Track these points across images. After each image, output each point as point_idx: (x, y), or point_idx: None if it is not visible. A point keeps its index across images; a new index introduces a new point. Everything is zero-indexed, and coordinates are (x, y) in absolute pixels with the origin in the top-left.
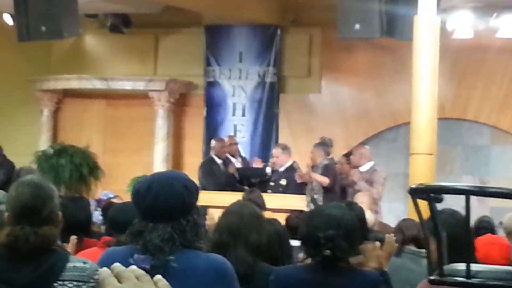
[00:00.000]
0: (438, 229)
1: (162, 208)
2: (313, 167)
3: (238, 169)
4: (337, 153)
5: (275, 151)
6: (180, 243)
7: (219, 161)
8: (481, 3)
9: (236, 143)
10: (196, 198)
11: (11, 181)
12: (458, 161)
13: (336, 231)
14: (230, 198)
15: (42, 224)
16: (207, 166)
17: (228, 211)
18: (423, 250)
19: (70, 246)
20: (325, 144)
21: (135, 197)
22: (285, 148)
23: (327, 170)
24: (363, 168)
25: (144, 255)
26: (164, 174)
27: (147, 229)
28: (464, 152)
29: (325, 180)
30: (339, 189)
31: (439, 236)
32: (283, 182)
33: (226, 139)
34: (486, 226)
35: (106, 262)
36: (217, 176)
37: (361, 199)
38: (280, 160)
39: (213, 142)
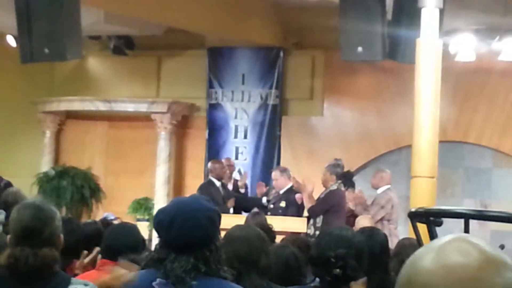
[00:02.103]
0: None
1: (185, 241)
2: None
3: (235, 200)
4: None
5: (274, 173)
6: (205, 271)
7: (217, 183)
8: (484, 26)
9: (232, 165)
10: (219, 226)
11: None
12: (459, 184)
13: (347, 250)
14: (230, 220)
15: (42, 245)
16: (206, 188)
17: (233, 237)
18: None
19: (89, 258)
20: (339, 167)
21: (157, 227)
22: (283, 170)
23: (325, 197)
24: (379, 190)
25: (166, 279)
26: (188, 206)
27: (169, 258)
28: (466, 175)
29: (307, 205)
30: (342, 215)
31: None
32: (282, 204)
33: (223, 160)
34: None
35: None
36: (215, 199)
37: (362, 222)
38: (279, 183)
39: (211, 165)
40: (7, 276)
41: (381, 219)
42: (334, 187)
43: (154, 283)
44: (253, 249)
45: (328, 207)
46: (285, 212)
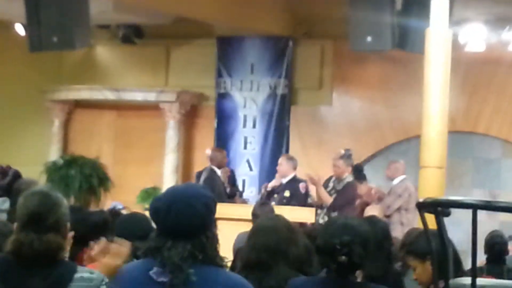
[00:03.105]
0: (445, 243)
1: (182, 228)
2: (335, 180)
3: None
4: None
5: (281, 158)
6: (202, 258)
7: (218, 172)
8: (494, 16)
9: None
10: (215, 213)
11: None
12: (468, 175)
13: (352, 237)
14: (236, 210)
15: (47, 231)
16: (210, 178)
17: (262, 227)
18: None
19: (97, 248)
20: (352, 158)
21: (154, 215)
22: (290, 158)
23: (345, 189)
24: (395, 181)
25: (163, 268)
26: (184, 193)
27: (166, 246)
28: (475, 165)
29: (327, 200)
30: (356, 208)
31: (445, 250)
32: (286, 194)
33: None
34: (499, 241)
35: (126, 275)
36: (218, 188)
37: (371, 213)
38: (282, 169)
39: (212, 153)
40: (13, 262)
41: (399, 209)
42: (350, 178)
43: (151, 272)
44: (281, 239)
45: (349, 199)
46: (289, 202)
